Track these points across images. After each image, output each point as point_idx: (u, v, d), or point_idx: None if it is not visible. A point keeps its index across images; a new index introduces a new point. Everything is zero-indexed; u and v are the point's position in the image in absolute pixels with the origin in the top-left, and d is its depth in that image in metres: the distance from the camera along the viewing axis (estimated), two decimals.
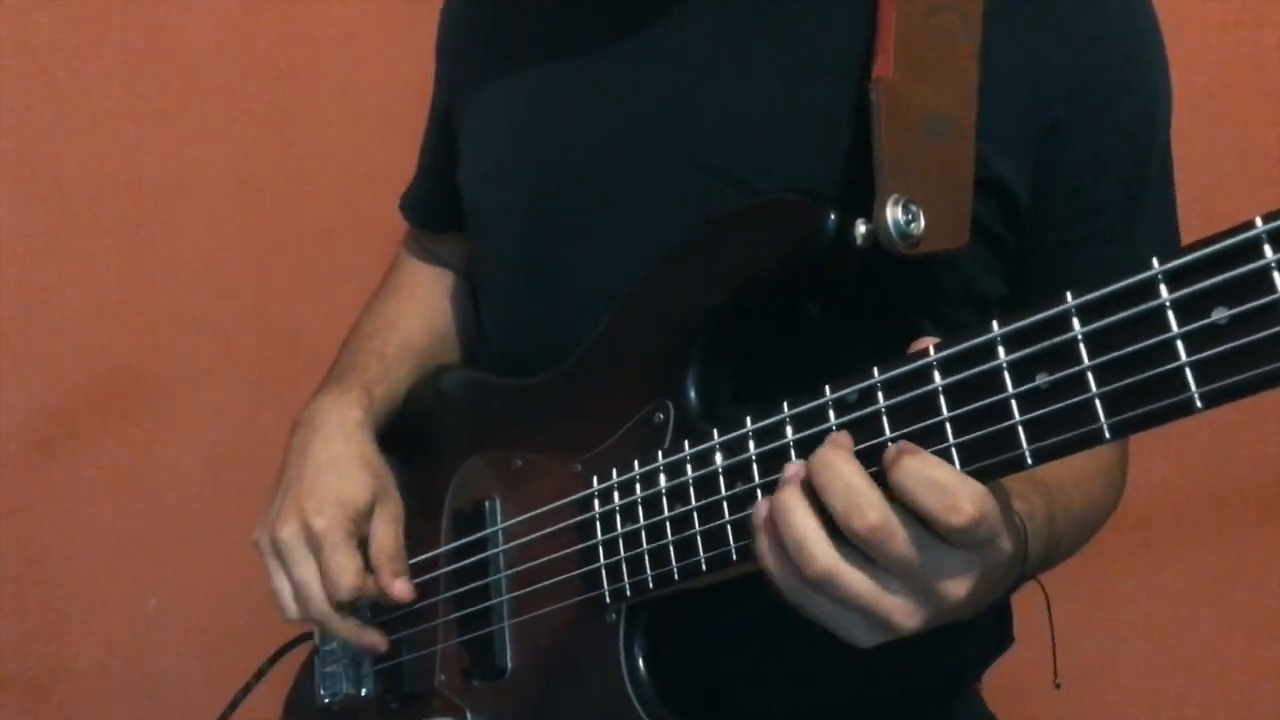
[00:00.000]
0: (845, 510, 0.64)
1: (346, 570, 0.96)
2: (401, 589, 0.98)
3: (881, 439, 0.67)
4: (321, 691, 1.09)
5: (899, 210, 0.74)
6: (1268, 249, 0.53)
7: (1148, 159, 0.88)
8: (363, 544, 0.99)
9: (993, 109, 0.81)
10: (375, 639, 0.99)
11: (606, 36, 0.93)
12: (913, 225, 0.74)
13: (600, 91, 0.93)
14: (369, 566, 0.98)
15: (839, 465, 0.65)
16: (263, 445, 1.45)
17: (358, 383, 1.06)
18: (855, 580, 0.65)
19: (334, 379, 1.09)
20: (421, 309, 1.16)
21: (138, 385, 1.49)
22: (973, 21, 0.81)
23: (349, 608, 1.00)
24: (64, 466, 1.50)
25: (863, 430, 0.69)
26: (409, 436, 1.10)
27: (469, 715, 0.94)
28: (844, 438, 0.67)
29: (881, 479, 0.65)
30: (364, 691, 1.06)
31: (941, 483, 0.62)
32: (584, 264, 0.93)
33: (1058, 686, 0.91)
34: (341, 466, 1.00)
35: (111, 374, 1.49)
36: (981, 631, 0.99)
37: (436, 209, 1.15)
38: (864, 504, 0.63)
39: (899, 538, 0.64)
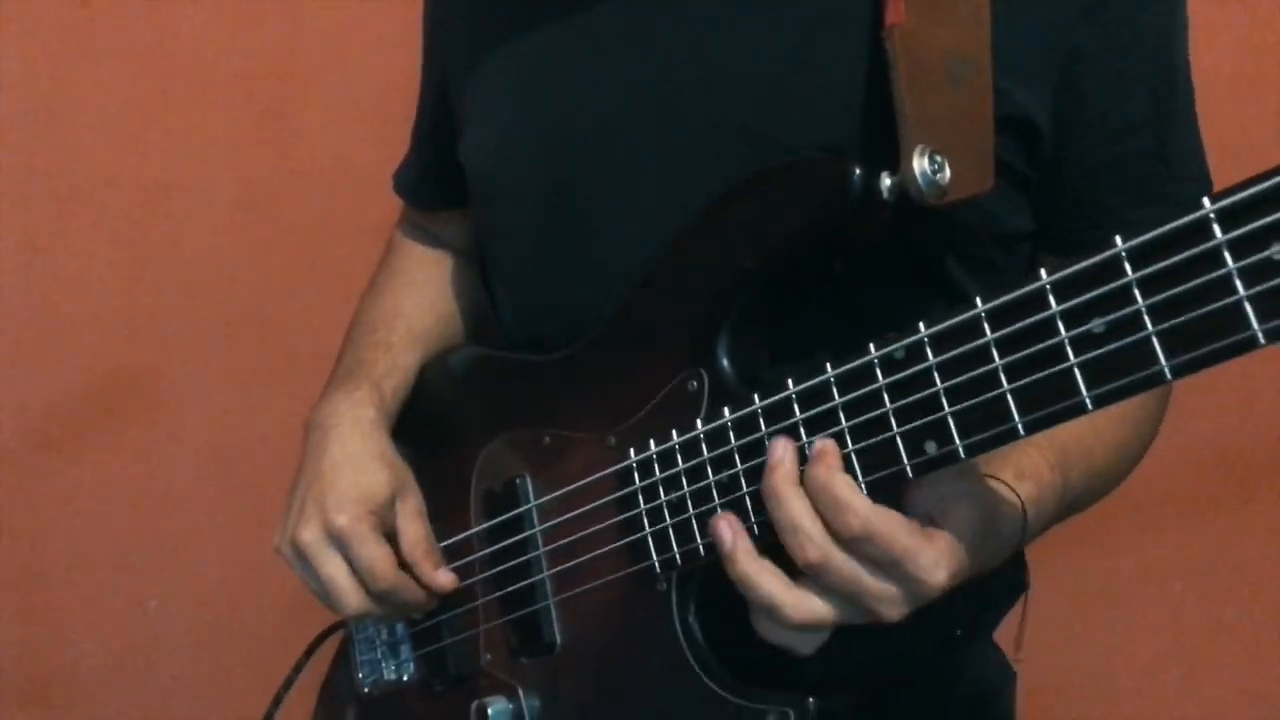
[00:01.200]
0: (790, 545, 0.72)
1: (380, 560, 0.96)
2: (445, 578, 0.98)
3: (932, 391, 0.68)
4: (361, 677, 1.09)
5: (925, 161, 0.74)
6: None
7: (1174, 76, 0.87)
8: (387, 539, 0.99)
9: (1009, 40, 0.80)
10: (425, 600, 0.99)
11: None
12: (939, 175, 0.74)
13: (609, 52, 0.91)
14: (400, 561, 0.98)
15: (789, 502, 0.72)
16: (263, 445, 1.45)
17: (366, 380, 1.05)
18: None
19: (342, 376, 1.07)
20: (424, 294, 1.14)
21: (138, 385, 1.48)
22: None
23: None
24: (64, 466, 1.49)
25: (913, 386, 0.69)
26: (424, 420, 1.10)
27: (521, 692, 0.94)
28: (788, 465, 0.73)
29: (928, 428, 0.68)
30: (405, 677, 1.06)
31: (839, 498, 0.70)
32: (604, 232, 0.92)
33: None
34: (359, 463, 0.99)
35: (111, 374, 1.48)
36: (997, 580, 1.01)
37: (435, 187, 1.13)
38: (805, 542, 0.71)
39: (837, 570, 0.71)
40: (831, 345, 0.74)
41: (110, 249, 1.47)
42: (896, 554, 0.70)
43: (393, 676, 1.06)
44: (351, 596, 0.97)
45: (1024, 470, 0.80)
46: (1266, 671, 1.45)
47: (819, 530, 0.71)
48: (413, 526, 0.99)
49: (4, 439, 1.48)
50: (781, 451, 0.73)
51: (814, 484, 0.71)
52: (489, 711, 0.94)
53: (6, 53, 1.41)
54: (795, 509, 0.72)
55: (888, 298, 0.77)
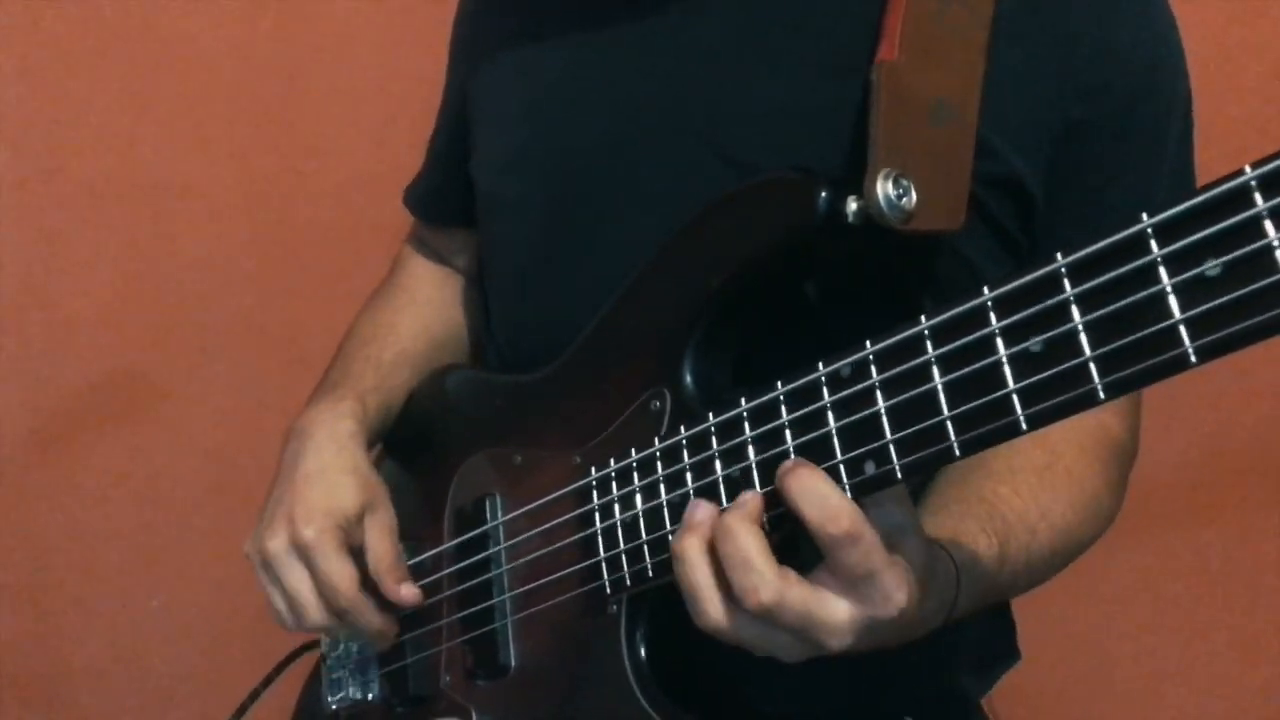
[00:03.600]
0: (741, 587, 0.67)
1: (341, 576, 0.95)
2: (409, 593, 0.97)
3: (874, 410, 0.66)
4: (329, 699, 1.08)
5: (889, 184, 0.73)
6: (1258, 197, 0.52)
7: (1163, 164, 0.88)
8: (356, 554, 0.99)
9: (1004, 103, 0.81)
10: (383, 624, 0.98)
11: (624, 26, 0.93)
12: (904, 200, 0.73)
13: (619, 82, 0.93)
14: (364, 576, 0.98)
15: (741, 538, 0.68)
16: (262, 445, 1.43)
17: (351, 392, 1.06)
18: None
19: (328, 387, 1.08)
20: (421, 314, 1.15)
21: (138, 385, 1.48)
22: (980, 17, 0.82)
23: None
24: (64, 466, 1.49)
25: (856, 403, 0.68)
26: (412, 439, 1.10)
27: (474, 715, 0.93)
28: (755, 500, 0.70)
29: (869, 450, 0.67)
30: (370, 696, 1.05)
31: (827, 497, 0.66)
32: (598, 253, 0.93)
33: None
34: (331, 476, 0.99)
35: (111, 374, 1.48)
36: (982, 643, 0.98)
37: (444, 202, 1.15)
38: (758, 583, 0.67)
39: (790, 611, 0.67)
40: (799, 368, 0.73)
41: (110, 249, 1.48)
42: (874, 566, 0.66)
43: (358, 695, 1.05)
44: (313, 609, 0.96)
45: (960, 536, 0.78)
46: (1266, 673, 1.38)
47: (773, 569, 0.68)
48: (380, 542, 0.98)
49: (4, 439, 1.49)
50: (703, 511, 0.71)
51: (791, 494, 0.67)
52: None
53: (6, 53, 1.43)
54: (750, 545, 0.68)
55: (858, 323, 0.75)
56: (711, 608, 0.69)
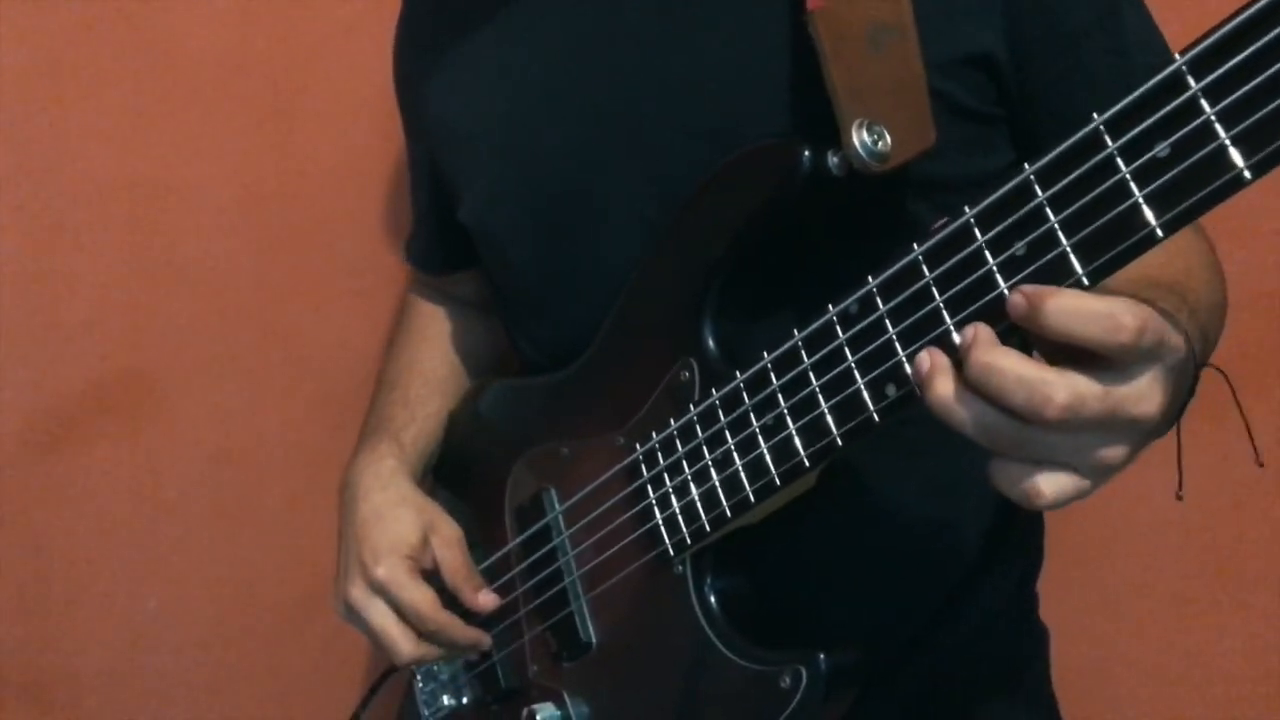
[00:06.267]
0: (1029, 403, 0.61)
1: (422, 602, 1.02)
2: (486, 599, 1.04)
3: (886, 337, 0.72)
4: (425, 712, 1.14)
5: (864, 133, 0.79)
6: (1190, 79, 0.58)
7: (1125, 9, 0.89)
8: (432, 576, 1.05)
9: None
10: (475, 635, 1.04)
11: (558, 35, 0.98)
12: (880, 144, 0.79)
13: (570, 89, 0.97)
14: (443, 592, 1.04)
15: (1001, 362, 0.62)
16: (262, 445, 1.46)
17: (386, 435, 1.13)
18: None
19: (366, 436, 1.16)
20: (436, 347, 1.23)
21: (138, 385, 1.47)
22: None
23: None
24: (64, 466, 1.48)
25: (868, 335, 0.73)
26: (459, 456, 1.16)
27: (566, 696, 0.98)
28: (985, 331, 0.64)
29: (887, 373, 0.71)
30: (464, 700, 1.11)
31: (1095, 309, 0.60)
32: (600, 256, 0.97)
33: (1180, 498, 0.86)
34: (385, 514, 1.06)
35: (111, 374, 1.47)
36: (1029, 548, 1.03)
37: (445, 252, 1.21)
38: (1048, 391, 0.60)
39: (1090, 401, 0.61)
40: (819, 312, 0.77)
41: (110, 249, 1.45)
42: (1163, 330, 0.62)
43: (452, 702, 1.11)
44: (403, 643, 1.03)
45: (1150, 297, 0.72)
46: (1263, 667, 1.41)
47: (1054, 372, 0.61)
48: (449, 555, 1.05)
49: (4, 439, 1.47)
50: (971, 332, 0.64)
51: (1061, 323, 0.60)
52: (537, 718, 0.98)
53: (6, 53, 1.41)
54: (1018, 363, 0.61)
55: (873, 256, 0.75)
56: (1008, 442, 0.63)
